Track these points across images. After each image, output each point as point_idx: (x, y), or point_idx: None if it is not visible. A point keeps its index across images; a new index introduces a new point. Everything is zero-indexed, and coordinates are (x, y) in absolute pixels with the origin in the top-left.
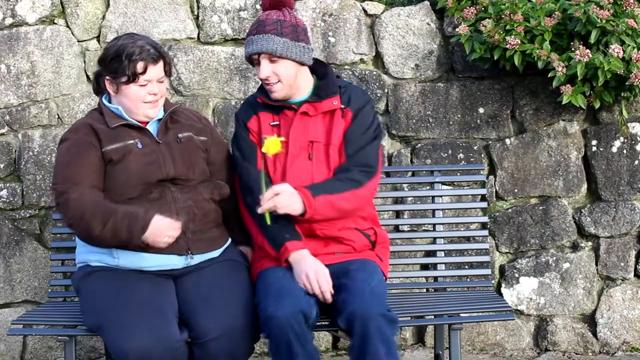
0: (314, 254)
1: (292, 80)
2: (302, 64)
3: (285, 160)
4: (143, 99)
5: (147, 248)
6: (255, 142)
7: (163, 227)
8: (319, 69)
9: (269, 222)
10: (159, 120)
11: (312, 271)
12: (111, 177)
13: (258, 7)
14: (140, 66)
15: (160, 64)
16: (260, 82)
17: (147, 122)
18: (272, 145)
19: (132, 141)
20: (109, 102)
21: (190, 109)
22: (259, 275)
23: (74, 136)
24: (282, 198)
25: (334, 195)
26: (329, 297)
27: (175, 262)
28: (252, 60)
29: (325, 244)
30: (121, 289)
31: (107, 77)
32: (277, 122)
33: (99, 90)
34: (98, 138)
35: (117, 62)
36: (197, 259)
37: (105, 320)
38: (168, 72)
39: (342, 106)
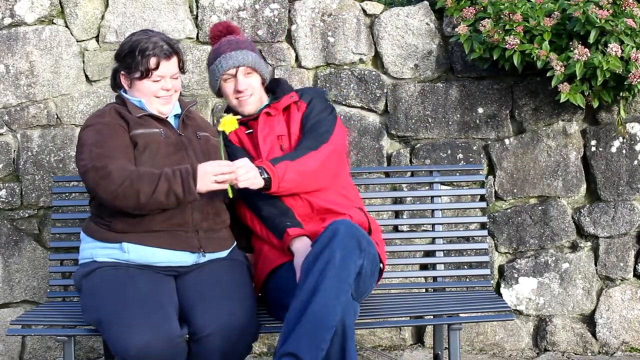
0: (316, 231)
1: (259, 96)
2: (264, 81)
3: (261, 156)
4: (155, 94)
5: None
6: (239, 146)
7: (209, 169)
8: (270, 84)
9: (231, 195)
10: (176, 116)
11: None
12: (136, 165)
13: (257, 7)
14: (153, 62)
15: (174, 60)
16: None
17: (167, 116)
18: (228, 123)
19: (157, 130)
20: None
21: (197, 113)
22: (282, 269)
23: (100, 120)
24: (241, 171)
25: (293, 161)
26: None
27: (185, 259)
28: (224, 78)
29: (322, 219)
30: (122, 285)
31: (122, 72)
32: (251, 130)
33: (116, 85)
34: (126, 121)
35: (130, 58)
36: (208, 257)
37: (105, 316)
38: (182, 69)
39: (296, 101)
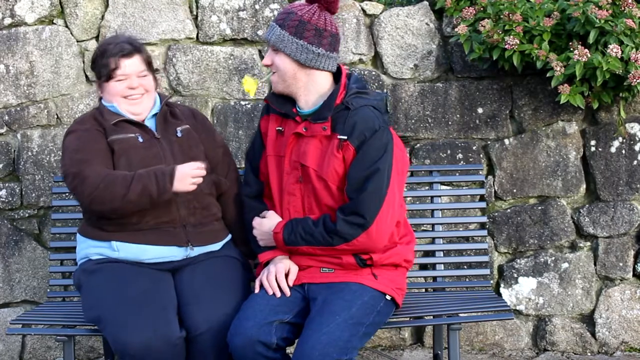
0: (297, 264)
1: (288, 78)
2: (299, 63)
3: (282, 177)
4: (122, 94)
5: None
6: (264, 135)
7: (188, 171)
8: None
9: (252, 94)
10: (155, 115)
11: (264, 274)
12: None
13: (257, 7)
14: (112, 62)
15: (136, 57)
16: None
17: (144, 119)
18: (248, 83)
19: (132, 135)
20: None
21: (185, 105)
22: None
23: (81, 127)
24: (256, 231)
25: (312, 247)
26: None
27: (174, 253)
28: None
29: (309, 257)
30: (122, 282)
31: (96, 80)
32: (282, 128)
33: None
34: (103, 128)
35: (96, 64)
36: (197, 251)
37: (105, 313)
38: (151, 67)
39: (341, 137)
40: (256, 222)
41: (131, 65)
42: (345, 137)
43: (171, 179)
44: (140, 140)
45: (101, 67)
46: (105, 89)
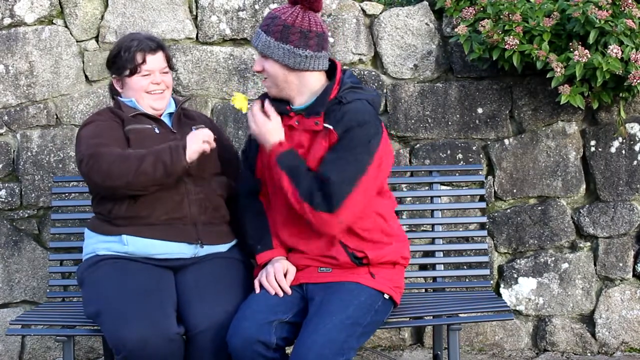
0: (295, 264)
1: (279, 81)
2: (288, 67)
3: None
4: (146, 89)
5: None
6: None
7: (198, 133)
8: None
9: (245, 110)
10: (171, 114)
11: (263, 275)
12: None
13: (257, 7)
14: (139, 56)
15: (160, 54)
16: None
17: (161, 114)
18: (238, 100)
19: (149, 126)
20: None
21: (196, 111)
22: None
23: (98, 118)
24: (258, 122)
25: (287, 183)
26: (288, 291)
27: (184, 250)
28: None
29: (306, 257)
30: (123, 278)
31: (114, 76)
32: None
33: (113, 93)
34: (121, 119)
35: (118, 58)
36: (206, 249)
37: (105, 307)
38: (170, 64)
39: (327, 125)
40: (260, 118)
41: (156, 61)
42: (332, 127)
43: (184, 146)
44: (157, 131)
45: (126, 62)
46: (128, 84)
